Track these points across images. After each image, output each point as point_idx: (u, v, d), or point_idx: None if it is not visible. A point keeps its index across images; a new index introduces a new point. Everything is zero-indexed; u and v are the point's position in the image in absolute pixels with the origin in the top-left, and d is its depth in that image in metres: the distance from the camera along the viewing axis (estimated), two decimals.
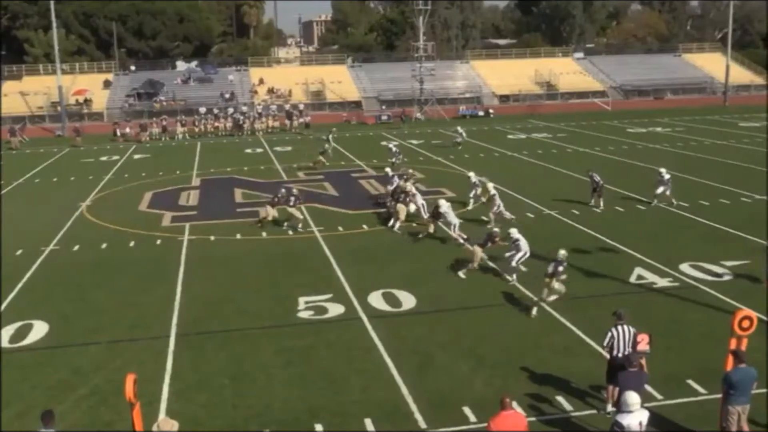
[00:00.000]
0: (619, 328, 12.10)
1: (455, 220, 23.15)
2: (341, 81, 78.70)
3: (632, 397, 9.75)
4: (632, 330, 12.08)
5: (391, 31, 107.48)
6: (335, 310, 17.32)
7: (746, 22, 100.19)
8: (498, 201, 24.68)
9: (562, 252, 16.65)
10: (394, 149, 37.38)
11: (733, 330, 11.21)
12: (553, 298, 16.71)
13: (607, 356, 12.23)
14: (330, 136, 43.26)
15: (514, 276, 18.98)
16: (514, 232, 19.12)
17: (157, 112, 65.75)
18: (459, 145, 44.40)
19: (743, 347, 11.18)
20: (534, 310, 16.61)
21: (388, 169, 30.08)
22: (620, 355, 11.82)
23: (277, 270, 20.62)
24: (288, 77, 79.13)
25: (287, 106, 64.90)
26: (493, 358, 14.46)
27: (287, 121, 58.92)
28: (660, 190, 26.73)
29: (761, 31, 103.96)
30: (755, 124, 52.53)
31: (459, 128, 46.69)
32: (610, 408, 11.98)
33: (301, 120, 59.17)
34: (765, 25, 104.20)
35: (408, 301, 17.79)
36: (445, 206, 23.05)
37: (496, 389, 12.83)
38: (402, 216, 24.50)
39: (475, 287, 18.69)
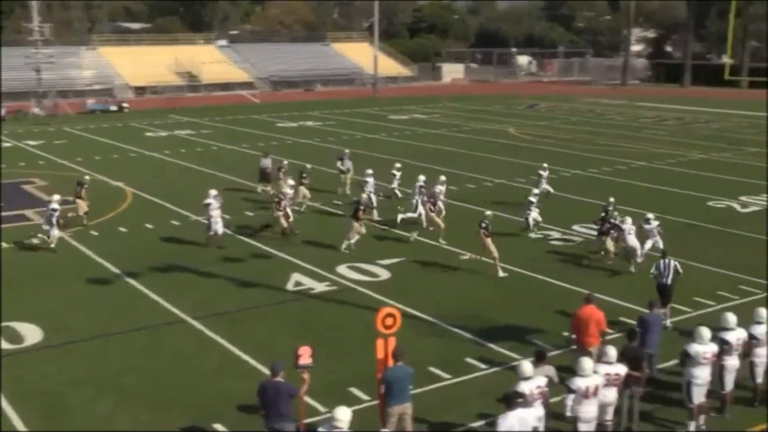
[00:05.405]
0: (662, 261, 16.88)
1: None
2: None
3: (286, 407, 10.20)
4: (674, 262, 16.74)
5: None
6: None
7: (391, 12, 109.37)
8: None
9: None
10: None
11: (378, 329, 12.09)
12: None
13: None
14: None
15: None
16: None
17: None
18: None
19: (390, 346, 12.10)
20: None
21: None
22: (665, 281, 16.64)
23: None
24: None
25: None
26: (140, 389, 14.16)
27: None
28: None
29: (405, 21, 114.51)
30: (403, 117, 57.88)
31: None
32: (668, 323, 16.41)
33: None
34: (409, 15, 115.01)
35: (32, 334, 16.75)
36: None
37: (145, 424, 12.66)
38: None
39: (119, 310, 18.16)
